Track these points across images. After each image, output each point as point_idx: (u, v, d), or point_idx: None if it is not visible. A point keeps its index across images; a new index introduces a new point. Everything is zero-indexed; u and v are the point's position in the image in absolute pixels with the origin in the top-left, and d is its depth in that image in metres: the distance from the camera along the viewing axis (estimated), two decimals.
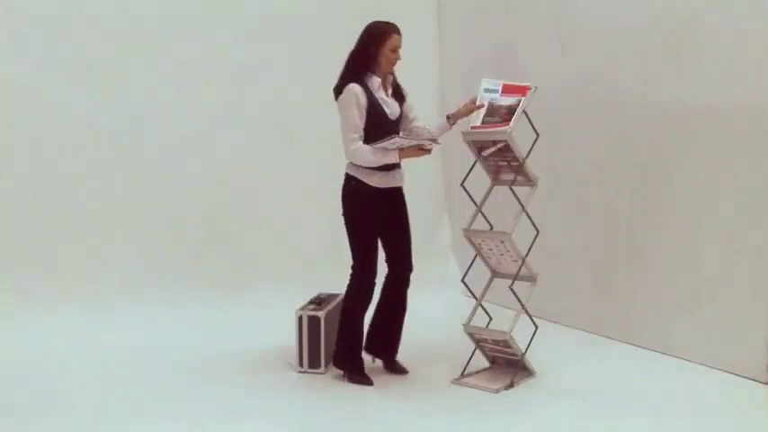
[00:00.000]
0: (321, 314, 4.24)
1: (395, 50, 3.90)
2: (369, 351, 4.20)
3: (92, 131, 5.46)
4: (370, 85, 3.90)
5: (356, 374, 4.05)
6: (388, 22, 3.93)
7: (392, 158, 3.85)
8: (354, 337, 4.08)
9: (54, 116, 5.36)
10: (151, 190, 5.59)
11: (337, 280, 4.74)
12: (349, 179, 3.97)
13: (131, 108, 5.52)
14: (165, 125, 5.61)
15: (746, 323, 3.99)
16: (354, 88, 3.83)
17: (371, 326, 4.19)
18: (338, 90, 3.91)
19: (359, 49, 3.91)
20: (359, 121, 3.84)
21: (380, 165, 3.87)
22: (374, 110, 3.87)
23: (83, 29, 5.38)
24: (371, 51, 3.88)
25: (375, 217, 3.99)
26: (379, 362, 4.25)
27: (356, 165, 3.92)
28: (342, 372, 4.12)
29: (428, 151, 3.90)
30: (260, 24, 5.79)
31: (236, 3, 5.76)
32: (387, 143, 3.78)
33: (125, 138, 5.52)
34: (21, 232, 5.29)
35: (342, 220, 4.01)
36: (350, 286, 4.06)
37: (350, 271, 4.05)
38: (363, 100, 3.84)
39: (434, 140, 3.90)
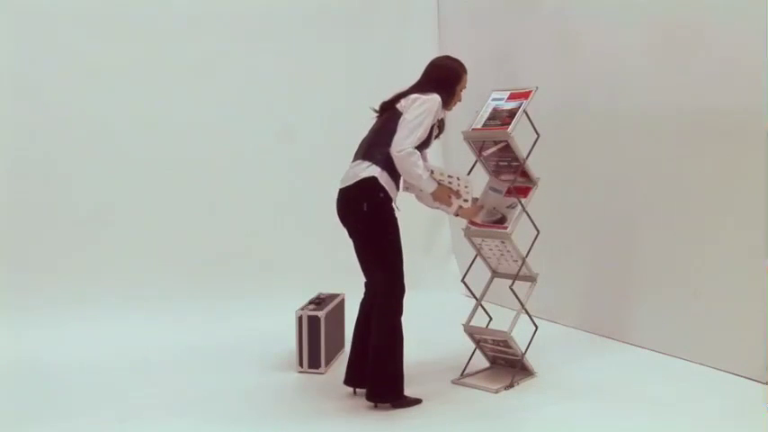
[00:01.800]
0: (321, 314, 4.24)
1: (462, 90, 3.82)
2: (350, 383, 3.84)
3: (91, 132, 5.46)
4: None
5: (406, 398, 3.73)
6: (458, 61, 3.83)
7: (428, 187, 3.70)
8: (402, 358, 3.72)
9: (53, 117, 5.38)
10: (151, 190, 5.60)
11: (337, 280, 4.77)
12: (377, 190, 3.63)
13: (131, 109, 5.53)
14: (164, 126, 5.61)
15: (746, 323, 3.98)
16: (439, 100, 3.66)
17: (354, 354, 3.84)
18: (392, 103, 3.69)
19: (430, 85, 3.71)
20: (427, 131, 3.65)
21: (411, 180, 3.68)
22: (428, 138, 3.71)
23: (83, 29, 5.39)
24: (449, 90, 3.74)
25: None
26: (360, 391, 3.81)
27: (386, 175, 3.63)
28: (373, 404, 3.70)
29: (450, 205, 3.82)
30: (260, 25, 5.79)
31: (237, 3, 5.77)
32: (457, 177, 3.67)
33: (124, 139, 5.53)
34: (20, 233, 5.30)
35: (338, 228, 3.81)
36: (391, 301, 3.68)
37: (364, 288, 3.85)
38: (436, 120, 3.70)
39: (468, 202, 3.81)
